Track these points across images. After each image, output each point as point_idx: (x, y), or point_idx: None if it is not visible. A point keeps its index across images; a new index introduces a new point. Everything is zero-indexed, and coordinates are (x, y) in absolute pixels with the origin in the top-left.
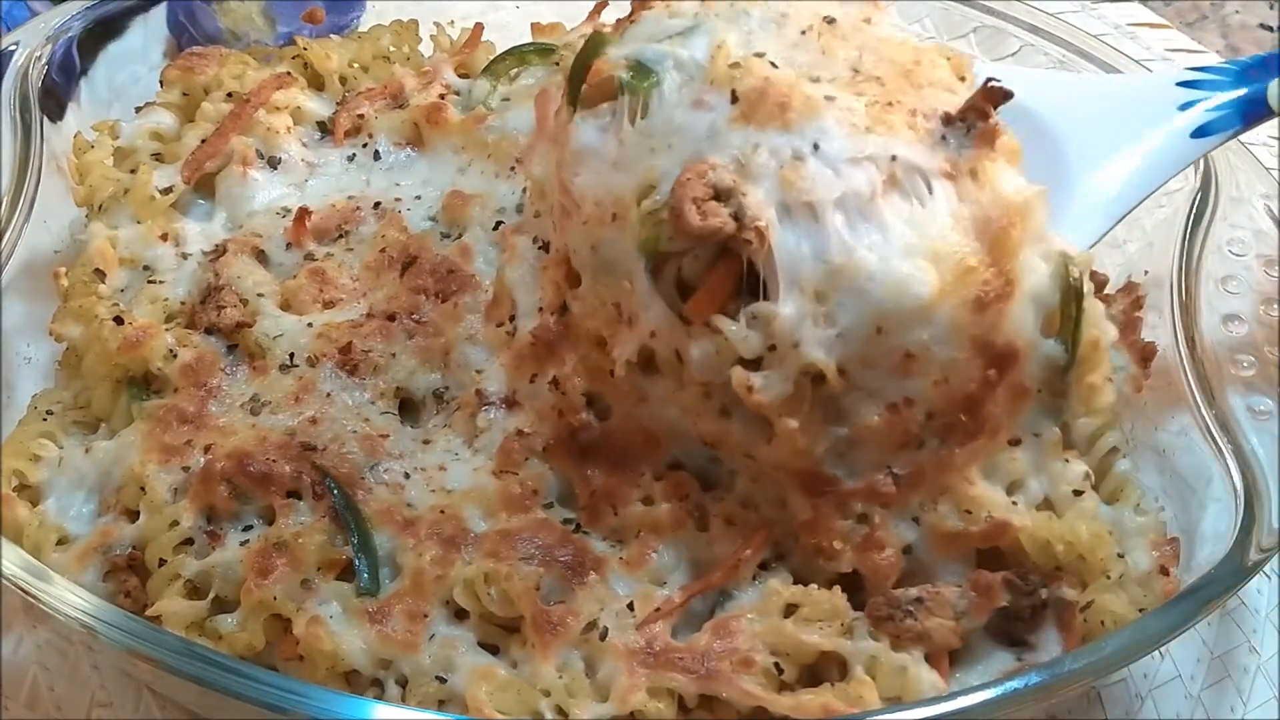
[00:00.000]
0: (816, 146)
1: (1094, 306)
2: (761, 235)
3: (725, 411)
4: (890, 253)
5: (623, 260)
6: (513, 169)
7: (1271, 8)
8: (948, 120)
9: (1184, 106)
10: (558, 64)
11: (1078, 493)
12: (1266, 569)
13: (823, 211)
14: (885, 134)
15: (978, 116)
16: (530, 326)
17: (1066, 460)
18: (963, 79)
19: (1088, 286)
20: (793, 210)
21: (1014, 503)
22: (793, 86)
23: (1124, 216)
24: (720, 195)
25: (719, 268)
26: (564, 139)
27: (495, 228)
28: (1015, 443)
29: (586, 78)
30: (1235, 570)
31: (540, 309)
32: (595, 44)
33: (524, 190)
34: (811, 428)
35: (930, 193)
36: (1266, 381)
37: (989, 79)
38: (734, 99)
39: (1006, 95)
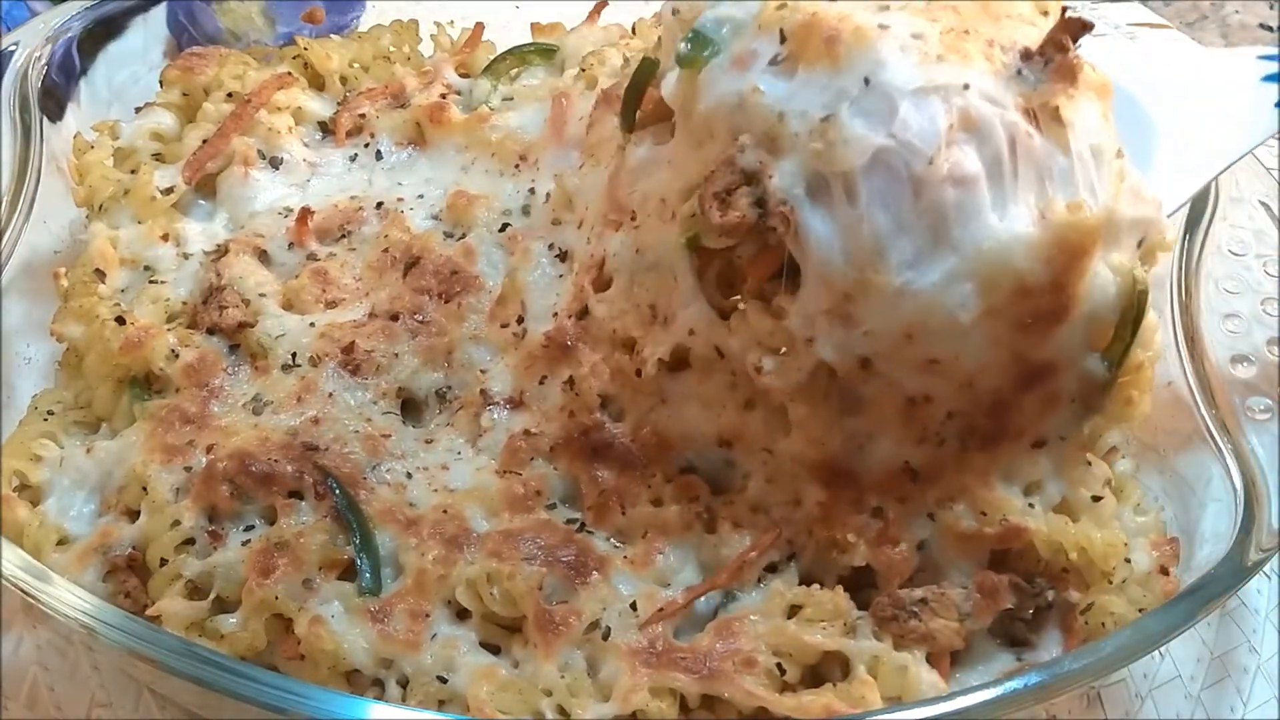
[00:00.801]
0: (867, 81)
1: (1149, 326)
2: (786, 220)
3: (749, 405)
4: (930, 269)
5: (668, 258)
6: (516, 167)
7: (1271, 8)
8: (1026, 55)
9: (1267, 79)
10: (586, 72)
11: (1096, 499)
12: (1266, 569)
13: (857, 188)
14: (959, 63)
15: (1056, 49)
16: (542, 329)
17: (1089, 464)
18: (1045, 14)
19: (1149, 308)
20: (827, 187)
21: (1030, 504)
22: (843, 18)
23: (1208, 182)
24: (749, 180)
25: (759, 256)
26: (620, 160)
27: (501, 229)
28: (1039, 445)
29: (641, 103)
30: (1235, 570)
31: (555, 314)
32: (647, 69)
33: (529, 191)
34: (825, 415)
35: (1014, 176)
36: (1266, 381)
37: (1065, 8)
38: (782, 39)
39: (1086, 26)
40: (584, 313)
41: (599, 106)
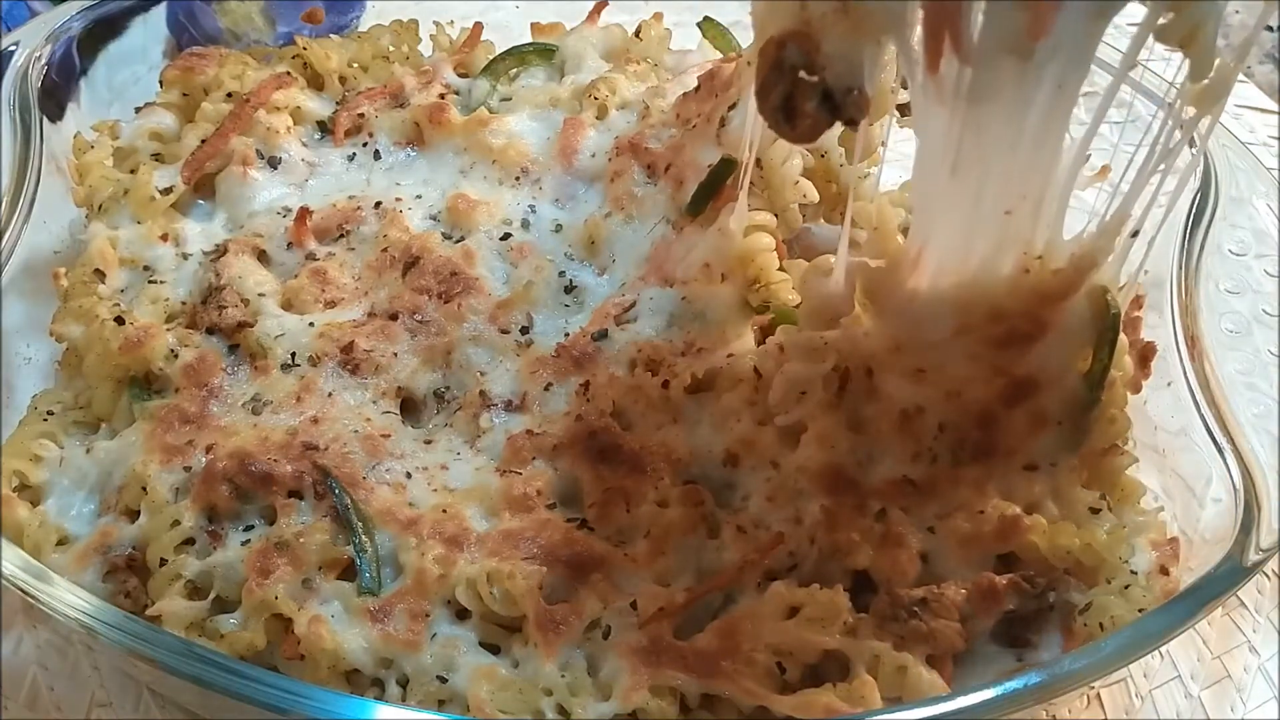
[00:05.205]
0: None
1: (1121, 347)
2: (860, 106)
3: (763, 421)
4: (918, 290)
5: (717, 311)
6: (517, 179)
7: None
8: None
9: None
10: (598, 101)
11: (1094, 510)
12: (1266, 569)
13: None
14: None
15: None
16: (553, 342)
17: (1083, 487)
18: None
19: (1121, 330)
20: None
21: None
22: None
23: None
24: (810, 64)
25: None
26: (676, 238)
27: (503, 238)
28: (1031, 468)
29: (713, 197)
30: (1235, 570)
31: (567, 334)
32: (725, 170)
33: (530, 208)
34: (837, 417)
35: None
36: (1266, 382)
37: None
38: None
39: None
40: (603, 335)
41: (622, 154)
